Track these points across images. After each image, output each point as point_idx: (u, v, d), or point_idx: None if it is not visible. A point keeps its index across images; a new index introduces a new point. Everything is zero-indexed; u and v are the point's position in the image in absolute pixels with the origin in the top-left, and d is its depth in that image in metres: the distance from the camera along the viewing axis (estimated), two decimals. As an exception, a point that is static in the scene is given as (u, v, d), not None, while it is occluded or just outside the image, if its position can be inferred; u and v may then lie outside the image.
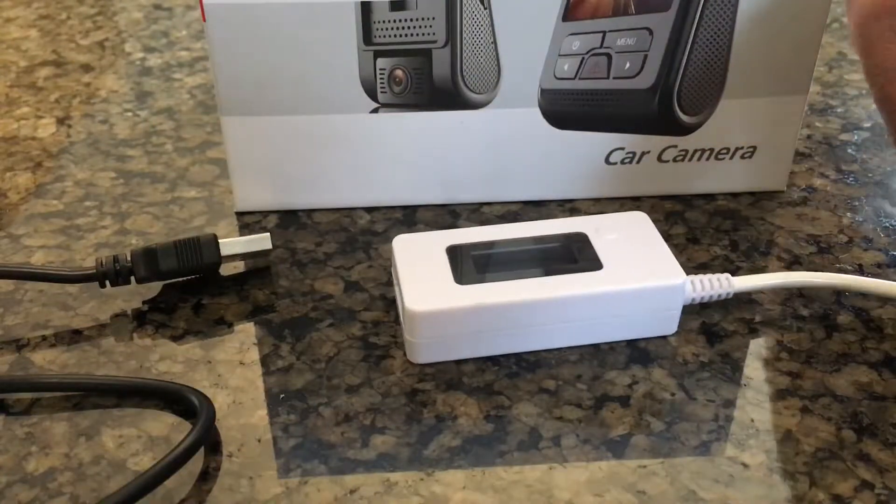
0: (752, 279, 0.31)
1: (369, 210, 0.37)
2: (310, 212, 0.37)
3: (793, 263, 0.34)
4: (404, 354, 0.30)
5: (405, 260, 0.30)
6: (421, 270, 0.30)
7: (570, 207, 0.37)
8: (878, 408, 0.28)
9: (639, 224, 0.32)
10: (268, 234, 0.33)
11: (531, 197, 0.37)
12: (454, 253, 0.30)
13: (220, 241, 0.33)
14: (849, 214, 0.36)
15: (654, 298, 0.30)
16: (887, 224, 0.35)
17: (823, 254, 0.34)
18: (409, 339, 0.29)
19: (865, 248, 0.34)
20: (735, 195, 0.37)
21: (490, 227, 0.32)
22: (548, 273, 0.29)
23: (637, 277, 0.29)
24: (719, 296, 0.31)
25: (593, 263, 0.30)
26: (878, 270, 0.33)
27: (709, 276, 0.31)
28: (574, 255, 0.30)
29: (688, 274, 0.30)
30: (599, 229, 0.31)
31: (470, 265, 0.30)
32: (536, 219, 0.36)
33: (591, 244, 0.31)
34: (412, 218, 0.36)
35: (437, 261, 0.30)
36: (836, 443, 0.27)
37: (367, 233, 0.36)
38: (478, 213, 0.37)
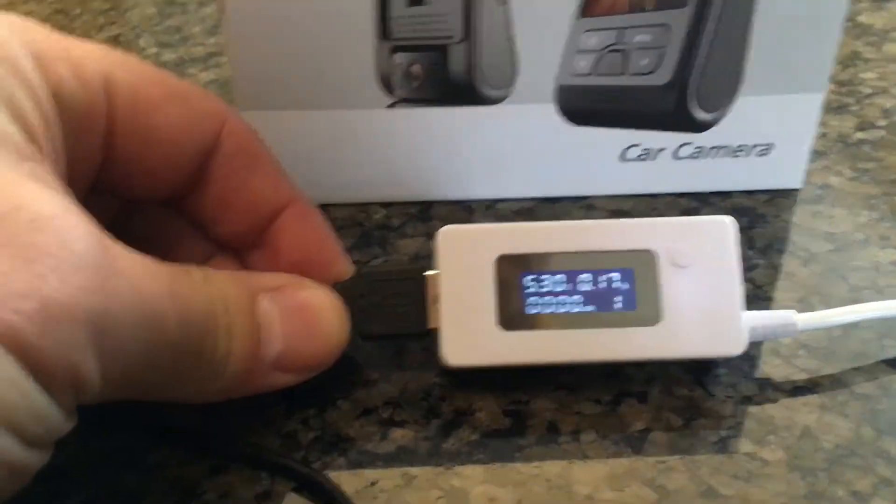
0: (819, 317, 0.29)
1: (385, 205, 0.37)
2: (325, 206, 0.37)
3: (809, 261, 0.33)
4: (422, 349, 0.30)
5: (449, 272, 0.28)
6: (463, 300, 0.27)
7: (585, 204, 0.37)
8: (897, 405, 0.28)
9: (717, 241, 0.28)
10: None
11: (546, 193, 0.37)
12: (503, 271, 0.28)
13: None
14: (865, 212, 0.36)
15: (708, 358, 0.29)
16: (903, 222, 0.35)
17: (840, 251, 0.34)
18: (443, 360, 0.28)
19: (882, 247, 0.34)
20: (751, 193, 0.37)
21: (546, 224, 0.29)
22: (600, 324, 0.27)
23: (692, 343, 0.27)
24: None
25: (651, 311, 0.27)
26: (894, 269, 0.33)
27: (773, 322, 0.28)
28: (633, 293, 0.28)
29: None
30: (672, 246, 0.28)
31: (518, 296, 0.28)
32: (551, 216, 0.36)
33: (655, 273, 0.28)
34: (427, 213, 0.36)
35: (483, 283, 0.28)
36: (855, 440, 0.27)
37: (382, 227, 0.36)
38: (493, 209, 0.37)
